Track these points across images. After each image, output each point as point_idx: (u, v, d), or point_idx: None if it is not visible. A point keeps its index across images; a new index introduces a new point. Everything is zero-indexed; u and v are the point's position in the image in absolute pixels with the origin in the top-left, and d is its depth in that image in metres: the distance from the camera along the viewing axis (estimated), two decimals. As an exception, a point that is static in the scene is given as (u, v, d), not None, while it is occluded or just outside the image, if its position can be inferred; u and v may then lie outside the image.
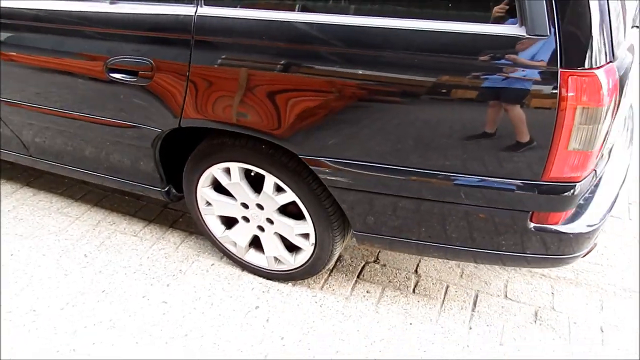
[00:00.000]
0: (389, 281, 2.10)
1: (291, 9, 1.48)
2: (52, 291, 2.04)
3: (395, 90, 1.41)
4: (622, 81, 1.34)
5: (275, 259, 2.01)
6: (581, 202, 1.55)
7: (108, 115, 1.86)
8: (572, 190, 1.39)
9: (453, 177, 1.47)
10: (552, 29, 1.22)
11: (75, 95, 1.89)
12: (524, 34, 1.25)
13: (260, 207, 1.87)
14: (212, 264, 2.18)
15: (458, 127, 1.38)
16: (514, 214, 1.48)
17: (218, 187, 1.95)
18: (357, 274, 2.14)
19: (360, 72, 1.42)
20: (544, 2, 1.21)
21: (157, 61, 1.65)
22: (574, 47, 1.22)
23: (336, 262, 2.19)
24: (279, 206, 1.83)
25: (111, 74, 1.73)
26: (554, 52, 1.23)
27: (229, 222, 2.06)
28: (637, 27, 1.65)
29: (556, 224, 1.49)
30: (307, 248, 1.89)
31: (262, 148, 1.70)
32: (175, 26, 1.60)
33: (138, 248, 2.29)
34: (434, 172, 1.47)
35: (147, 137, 1.83)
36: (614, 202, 1.65)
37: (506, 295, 2.02)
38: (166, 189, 2.04)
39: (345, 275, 2.13)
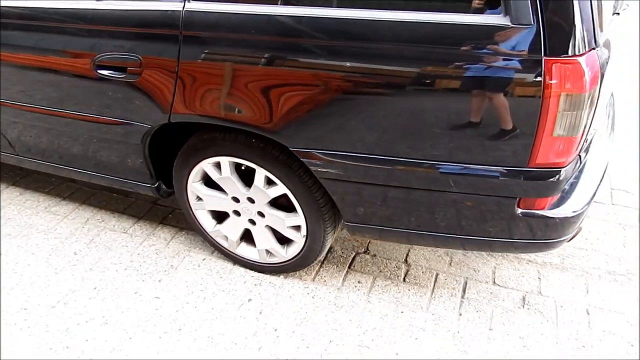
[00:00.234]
0: (380, 271, 2.12)
1: (276, 2, 1.48)
2: (42, 290, 2.03)
3: (380, 82, 1.43)
4: (602, 68, 1.38)
5: (267, 251, 2.02)
6: (566, 187, 1.59)
7: (96, 112, 1.85)
8: (557, 176, 1.43)
9: (440, 166, 1.49)
10: (536, 18, 1.25)
11: (62, 92, 1.87)
12: (509, 23, 1.28)
13: (251, 200, 1.89)
14: (204, 259, 2.19)
15: (445, 117, 1.41)
16: (501, 200, 1.51)
17: (208, 181, 1.96)
18: (348, 265, 2.16)
19: (345, 64, 1.43)
20: (528, -8, 1.24)
21: (145, 57, 1.65)
22: (557, 35, 1.26)
23: (327, 254, 2.22)
24: (270, 199, 1.85)
25: (99, 71, 1.73)
26: (538, 40, 1.26)
27: (220, 216, 2.07)
28: (618, 14, 1.68)
29: (543, 209, 1.53)
30: (299, 240, 1.91)
31: (252, 142, 1.71)
32: (163, 22, 1.60)
33: (128, 245, 2.28)
34: (422, 161, 1.50)
35: (137, 133, 1.82)
36: (598, 187, 1.70)
37: (494, 282, 2.06)
38: (156, 185, 2.04)
39: (337, 266, 2.16)
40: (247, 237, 2.06)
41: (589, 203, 1.61)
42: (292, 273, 2.10)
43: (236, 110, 1.61)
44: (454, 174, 1.49)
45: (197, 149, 1.84)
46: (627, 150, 2.99)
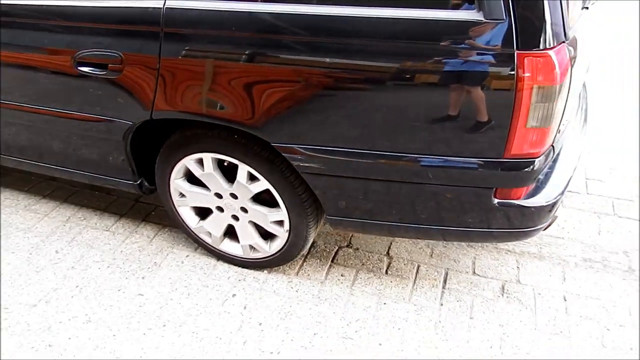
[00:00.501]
0: (362, 264, 2.16)
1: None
2: (23, 288, 2.01)
3: (360, 77, 1.46)
4: (572, 61, 1.42)
5: (251, 247, 2.04)
6: (541, 177, 1.64)
7: (77, 109, 1.84)
8: (532, 166, 1.47)
9: (419, 159, 1.53)
10: (508, 13, 1.29)
11: (42, 89, 1.86)
12: (482, 18, 1.31)
13: (234, 196, 1.90)
14: (187, 255, 2.20)
15: (422, 111, 1.44)
16: (479, 191, 1.55)
17: (191, 178, 1.96)
18: (331, 259, 2.19)
19: (325, 60, 1.45)
20: (499, -13, 1.28)
21: (126, 54, 1.65)
22: (528, 30, 1.30)
23: (310, 248, 2.24)
24: (252, 195, 1.86)
25: (80, 68, 1.72)
26: (510, 35, 1.30)
27: (203, 212, 2.07)
28: (587, 8, 1.74)
29: (518, 198, 1.57)
30: (282, 235, 1.93)
31: (234, 138, 1.72)
32: (144, 19, 1.61)
33: (111, 242, 2.28)
34: (403, 154, 1.53)
35: (118, 130, 1.82)
36: (571, 177, 1.75)
37: (474, 272, 2.11)
38: (138, 182, 2.04)
39: (320, 260, 2.18)
40: (230, 233, 2.07)
41: (563, 192, 1.66)
42: (275, 268, 2.12)
43: (218, 106, 1.62)
44: (434, 167, 1.53)
45: (179, 145, 1.84)
46: (601, 141, 3.07)
